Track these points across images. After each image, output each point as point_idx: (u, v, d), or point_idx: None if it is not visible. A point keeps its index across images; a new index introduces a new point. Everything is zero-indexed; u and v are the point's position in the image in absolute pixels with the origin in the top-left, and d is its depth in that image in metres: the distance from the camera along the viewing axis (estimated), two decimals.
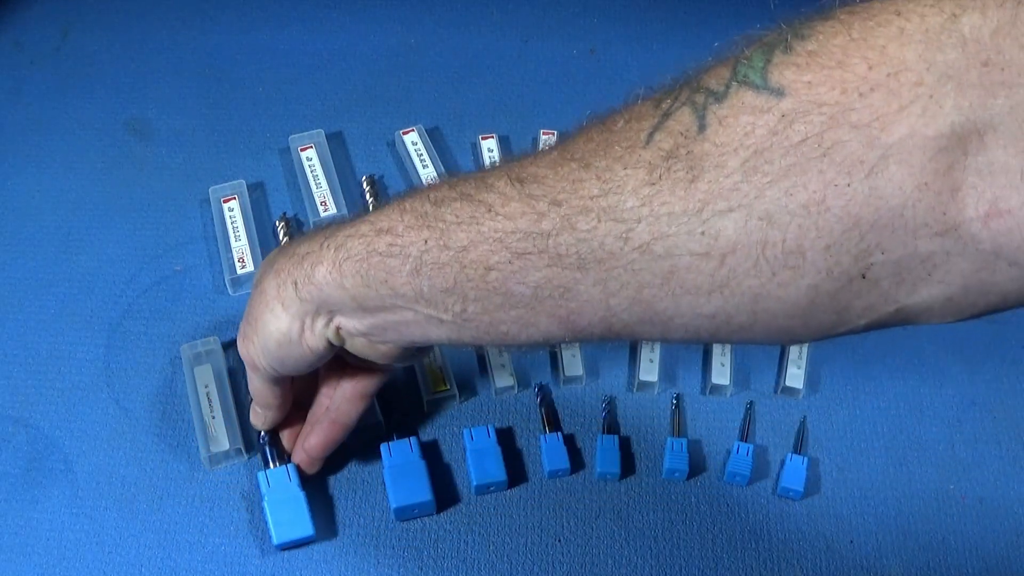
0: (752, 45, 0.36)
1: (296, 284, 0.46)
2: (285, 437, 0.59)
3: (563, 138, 0.41)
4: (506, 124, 0.78)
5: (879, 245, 0.33)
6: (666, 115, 0.36)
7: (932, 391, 0.64)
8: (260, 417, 0.57)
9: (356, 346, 0.48)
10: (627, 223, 0.36)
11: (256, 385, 0.54)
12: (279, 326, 0.48)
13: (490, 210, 0.39)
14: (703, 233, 0.35)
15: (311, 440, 0.57)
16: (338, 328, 0.47)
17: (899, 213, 0.33)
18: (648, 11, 0.88)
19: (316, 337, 0.48)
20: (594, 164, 0.37)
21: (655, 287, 0.37)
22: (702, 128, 0.35)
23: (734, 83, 0.35)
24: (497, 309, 0.41)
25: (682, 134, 0.35)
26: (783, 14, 0.35)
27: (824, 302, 0.35)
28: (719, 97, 0.35)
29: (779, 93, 0.33)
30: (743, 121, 0.34)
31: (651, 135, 0.36)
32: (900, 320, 0.36)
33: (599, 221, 0.37)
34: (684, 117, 0.36)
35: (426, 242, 0.41)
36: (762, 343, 0.39)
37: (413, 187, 0.45)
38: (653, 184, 0.36)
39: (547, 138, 0.76)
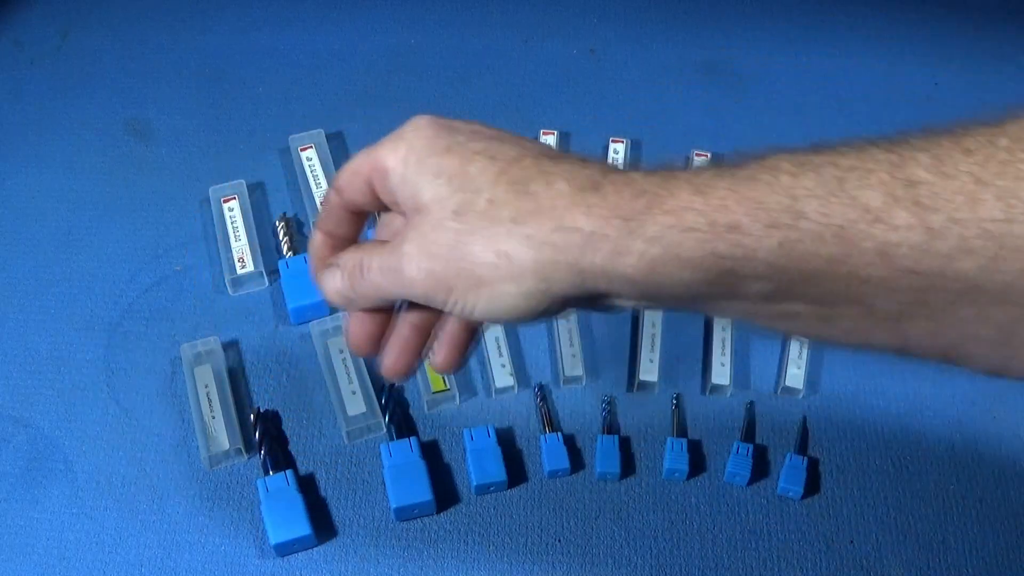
0: None
1: (583, 272, 0.36)
2: (392, 350, 0.44)
3: (904, 136, 0.34)
4: (506, 124, 0.77)
5: None
6: None
7: (932, 391, 0.64)
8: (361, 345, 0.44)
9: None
10: None
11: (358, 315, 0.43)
12: (526, 305, 0.37)
13: (867, 212, 0.33)
14: None
15: (441, 358, 0.44)
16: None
17: None
18: (648, 11, 0.88)
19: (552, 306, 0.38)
20: (991, 183, 0.31)
21: None
22: None
23: None
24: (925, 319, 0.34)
25: None
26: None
27: None
28: None
29: None
30: None
31: None
32: None
33: (1000, 249, 0.31)
34: None
35: (780, 245, 0.34)
36: None
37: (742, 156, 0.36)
38: None
39: (548, 138, 0.76)
